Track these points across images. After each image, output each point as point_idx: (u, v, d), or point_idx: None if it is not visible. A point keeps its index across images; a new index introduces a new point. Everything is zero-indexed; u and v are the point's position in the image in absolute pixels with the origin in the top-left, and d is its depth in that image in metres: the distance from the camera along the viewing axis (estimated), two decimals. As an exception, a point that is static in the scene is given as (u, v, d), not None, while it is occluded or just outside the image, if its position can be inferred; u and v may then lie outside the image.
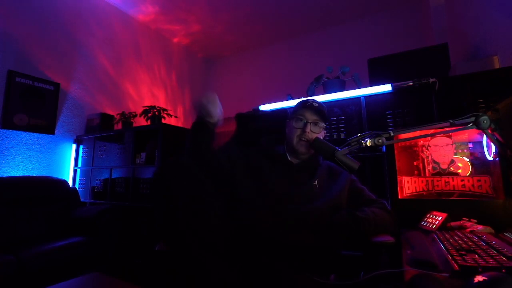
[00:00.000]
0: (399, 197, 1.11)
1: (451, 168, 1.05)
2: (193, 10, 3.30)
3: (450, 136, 1.07)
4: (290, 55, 3.91)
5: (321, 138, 1.04)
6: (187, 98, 4.15)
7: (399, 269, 0.62)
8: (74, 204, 2.29)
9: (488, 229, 0.84)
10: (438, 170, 1.07)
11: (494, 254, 0.57)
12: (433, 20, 2.65)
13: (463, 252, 0.61)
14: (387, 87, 1.60)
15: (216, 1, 3.15)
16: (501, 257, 0.56)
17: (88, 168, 2.71)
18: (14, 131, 2.29)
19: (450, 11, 2.49)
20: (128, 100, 3.28)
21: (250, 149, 1.14)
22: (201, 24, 3.60)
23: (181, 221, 0.79)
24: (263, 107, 1.99)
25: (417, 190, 1.09)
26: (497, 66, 1.49)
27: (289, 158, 1.09)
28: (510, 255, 0.56)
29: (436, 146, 1.09)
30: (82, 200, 2.48)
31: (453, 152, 1.06)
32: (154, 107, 2.65)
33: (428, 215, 0.98)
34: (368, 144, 0.83)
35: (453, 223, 0.91)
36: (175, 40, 3.99)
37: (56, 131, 2.57)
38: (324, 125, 1.09)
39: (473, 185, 1.00)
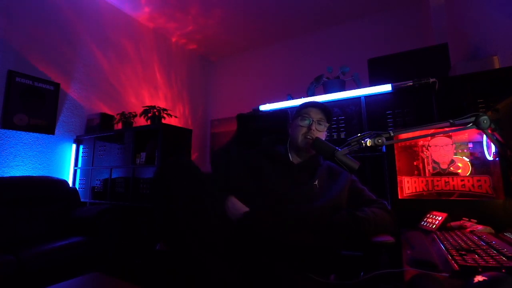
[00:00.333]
0: (399, 197, 1.11)
1: (451, 168, 1.05)
2: (193, 10, 3.30)
3: (450, 136, 1.07)
4: (290, 55, 3.91)
5: (322, 138, 1.05)
6: (187, 98, 4.15)
7: (399, 269, 0.62)
8: (74, 204, 2.29)
9: (488, 229, 0.84)
10: (438, 170, 1.07)
11: (494, 254, 0.57)
12: (433, 20, 2.65)
13: (463, 252, 0.60)
14: (387, 87, 1.60)
15: (216, 1, 3.15)
16: (501, 257, 0.56)
17: (88, 168, 2.71)
18: (14, 131, 2.29)
19: (450, 11, 2.49)
20: (128, 100, 3.28)
21: (250, 149, 1.14)
22: (201, 24, 3.60)
23: (181, 221, 0.79)
24: (263, 107, 2.00)
25: (417, 190, 1.09)
26: (497, 66, 1.49)
27: (290, 158, 1.09)
28: (510, 255, 0.56)
29: (436, 146, 1.09)
30: (82, 200, 2.48)
31: (453, 152, 1.06)
32: (154, 107, 2.65)
33: (428, 215, 0.98)
34: (368, 144, 0.83)
35: (453, 223, 0.91)
36: (175, 40, 3.99)
37: (56, 131, 2.57)
38: (327, 125, 1.10)
39: (473, 185, 1.00)
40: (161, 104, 3.59)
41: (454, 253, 0.61)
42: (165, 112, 2.67)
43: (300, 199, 0.98)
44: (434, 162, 1.09)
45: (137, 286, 0.79)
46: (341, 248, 1.06)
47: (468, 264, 0.53)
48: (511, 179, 0.90)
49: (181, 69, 4.10)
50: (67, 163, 2.71)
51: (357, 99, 1.71)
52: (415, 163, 1.12)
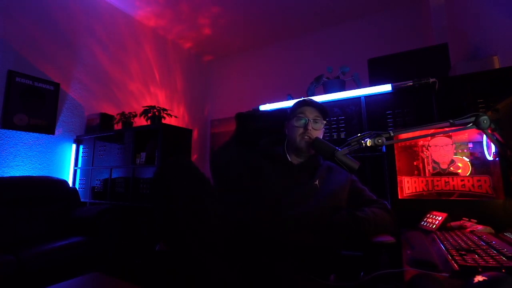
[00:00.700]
0: (399, 197, 1.11)
1: (451, 168, 1.05)
2: (193, 10, 3.30)
3: (450, 136, 1.07)
4: (290, 55, 3.91)
5: (320, 137, 1.04)
6: (187, 98, 4.15)
7: (399, 269, 0.62)
8: (74, 204, 2.29)
9: (488, 229, 0.84)
10: (438, 170, 1.07)
11: (494, 254, 0.57)
12: (433, 20, 2.65)
13: (463, 252, 0.60)
14: (387, 87, 1.60)
15: (216, 1, 3.15)
16: (501, 257, 0.56)
17: (88, 168, 2.71)
18: (14, 131, 2.29)
19: (450, 11, 2.49)
20: (128, 100, 3.28)
21: (249, 149, 1.14)
22: (202, 25, 3.60)
23: (181, 221, 0.79)
24: (263, 107, 2.00)
25: (417, 190, 1.09)
26: (497, 66, 1.49)
27: (289, 159, 1.09)
28: (510, 255, 0.56)
29: (436, 146, 1.09)
30: (82, 200, 2.48)
31: (453, 152, 1.06)
32: (154, 107, 2.65)
33: (428, 215, 0.98)
34: (368, 144, 0.83)
35: (453, 223, 0.91)
36: (175, 40, 3.99)
37: (56, 131, 2.57)
38: (324, 122, 1.09)
39: (473, 185, 1.00)
40: (161, 104, 3.59)
41: (454, 253, 0.61)
42: (165, 112, 2.67)
43: (300, 199, 0.98)
44: (434, 162, 1.09)
45: (137, 286, 0.79)
46: (341, 248, 1.06)
47: (468, 264, 0.53)
48: (511, 179, 0.90)
49: (181, 69, 4.10)
50: (67, 163, 2.71)
51: (357, 99, 1.71)
52: (415, 163, 1.12)
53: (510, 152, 0.83)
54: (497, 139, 0.83)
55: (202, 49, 4.30)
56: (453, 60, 1.84)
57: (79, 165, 2.77)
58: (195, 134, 4.12)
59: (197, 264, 0.77)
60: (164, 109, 2.68)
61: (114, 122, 2.76)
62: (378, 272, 0.69)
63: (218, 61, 4.59)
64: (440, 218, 0.92)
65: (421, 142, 1.12)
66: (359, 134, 0.88)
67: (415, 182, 1.10)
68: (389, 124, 1.60)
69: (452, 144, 1.07)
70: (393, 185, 1.12)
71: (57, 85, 2.58)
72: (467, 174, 1.02)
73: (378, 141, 0.83)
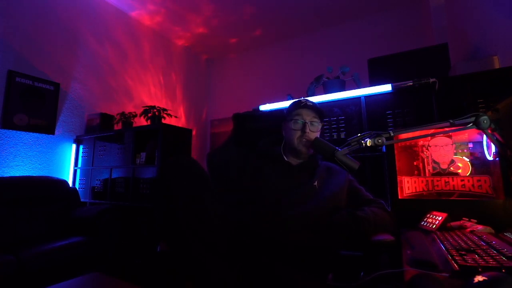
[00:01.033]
0: (399, 197, 1.11)
1: (451, 168, 1.05)
2: (193, 10, 3.30)
3: (450, 136, 1.07)
4: (290, 55, 3.91)
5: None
6: (187, 98, 4.15)
7: (399, 269, 0.62)
8: (74, 204, 2.29)
9: (488, 229, 0.84)
10: (438, 170, 1.07)
11: (494, 254, 0.57)
12: (433, 20, 2.66)
13: (463, 252, 0.60)
14: (387, 87, 1.60)
15: (216, 2, 3.15)
16: (501, 257, 0.56)
17: (88, 168, 2.71)
18: (14, 131, 2.29)
19: (450, 11, 2.49)
20: (128, 100, 3.28)
21: (249, 150, 1.14)
22: (201, 24, 3.60)
23: (181, 221, 0.79)
24: (263, 107, 2.00)
25: (417, 190, 1.09)
26: (497, 66, 1.49)
27: (286, 159, 1.08)
28: (510, 255, 0.56)
29: (436, 146, 1.09)
30: (82, 200, 2.49)
31: (453, 152, 1.06)
32: (154, 107, 2.65)
33: (428, 215, 0.98)
34: (368, 144, 0.83)
35: (453, 223, 0.91)
36: (175, 40, 3.99)
37: (56, 131, 2.57)
38: (321, 123, 1.08)
39: (473, 185, 1.00)
40: (161, 104, 3.59)
41: (454, 253, 0.61)
42: (165, 112, 2.67)
43: (300, 199, 0.98)
44: (434, 162, 1.09)
45: (137, 286, 0.79)
46: (341, 248, 1.06)
47: (468, 264, 0.53)
48: (511, 179, 0.90)
49: (181, 69, 4.10)
50: (67, 163, 2.71)
51: (357, 99, 1.71)
52: (415, 163, 1.12)
53: (510, 152, 0.83)
54: (497, 139, 0.83)
55: (202, 49, 4.31)
56: (453, 60, 1.84)
57: (79, 165, 2.77)
58: (195, 134, 4.12)
59: (197, 264, 0.77)
60: (164, 109, 2.68)
61: (114, 122, 2.76)
62: (378, 272, 0.69)
63: (218, 61, 4.59)
64: (440, 218, 0.92)
65: (421, 142, 1.12)
66: (359, 134, 0.88)
67: (415, 182, 1.10)
68: (389, 124, 1.60)
69: (452, 144, 1.07)
70: (393, 185, 1.12)
71: (57, 85, 2.58)
72: (467, 174, 1.02)
73: (378, 141, 0.83)
